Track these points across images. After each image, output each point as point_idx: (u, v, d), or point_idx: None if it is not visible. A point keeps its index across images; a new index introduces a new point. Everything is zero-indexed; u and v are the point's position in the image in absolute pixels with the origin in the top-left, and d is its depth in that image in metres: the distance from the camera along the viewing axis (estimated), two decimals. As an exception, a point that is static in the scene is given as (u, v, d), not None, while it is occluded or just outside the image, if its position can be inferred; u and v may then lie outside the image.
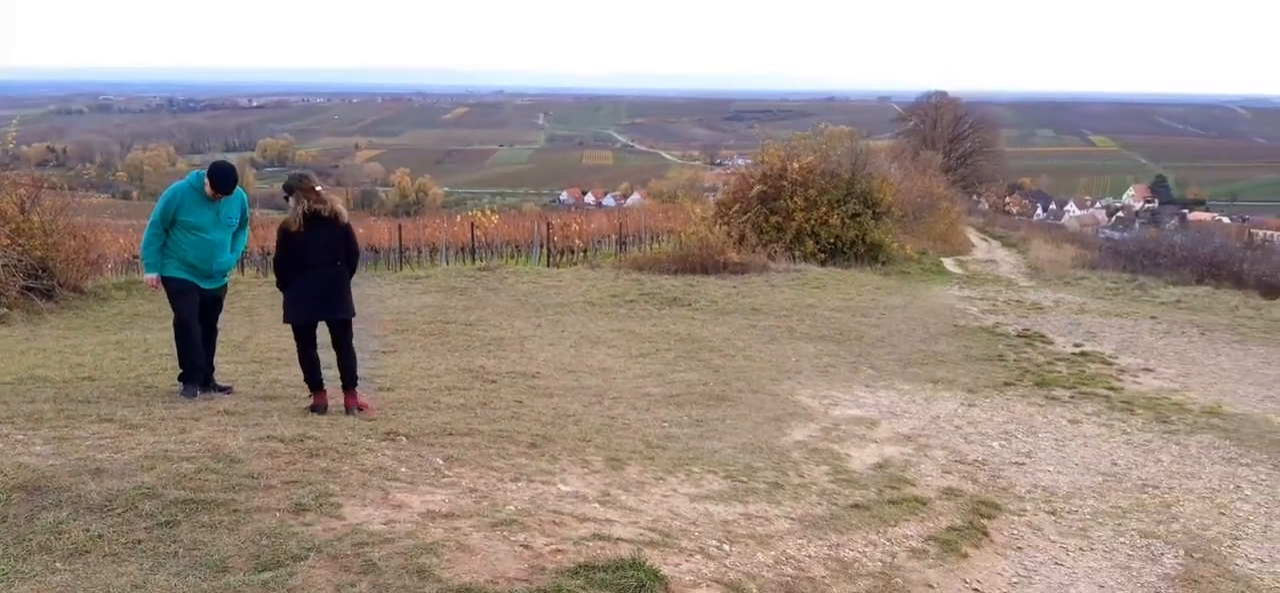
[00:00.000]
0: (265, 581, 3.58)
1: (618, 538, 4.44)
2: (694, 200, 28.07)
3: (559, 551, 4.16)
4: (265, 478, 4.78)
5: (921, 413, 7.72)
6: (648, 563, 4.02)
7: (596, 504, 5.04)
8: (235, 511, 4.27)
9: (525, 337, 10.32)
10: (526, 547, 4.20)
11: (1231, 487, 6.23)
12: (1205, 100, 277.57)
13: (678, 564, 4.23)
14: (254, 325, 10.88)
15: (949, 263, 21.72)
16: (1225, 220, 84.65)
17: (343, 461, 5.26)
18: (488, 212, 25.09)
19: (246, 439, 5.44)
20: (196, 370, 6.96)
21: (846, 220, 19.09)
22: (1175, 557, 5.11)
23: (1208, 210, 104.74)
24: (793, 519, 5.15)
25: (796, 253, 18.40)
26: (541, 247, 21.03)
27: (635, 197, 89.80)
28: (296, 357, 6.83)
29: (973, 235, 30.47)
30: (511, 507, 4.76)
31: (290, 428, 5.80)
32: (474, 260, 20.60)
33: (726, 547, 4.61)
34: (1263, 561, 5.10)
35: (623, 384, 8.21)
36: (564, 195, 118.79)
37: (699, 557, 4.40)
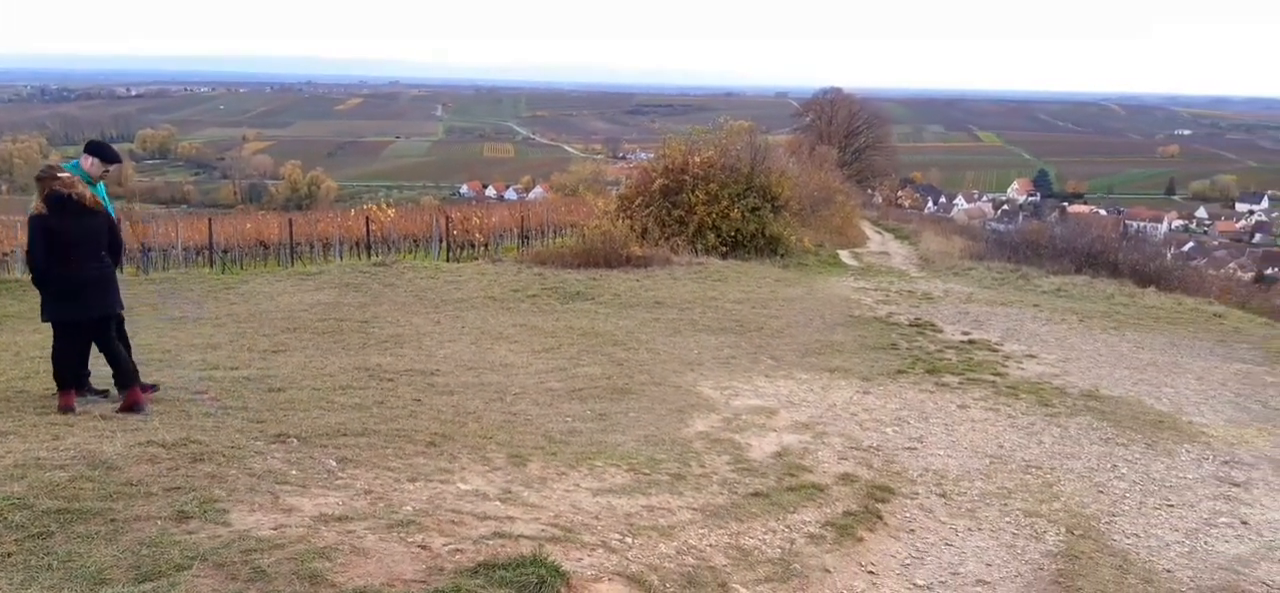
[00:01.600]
0: (146, 592, 3.40)
1: (519, 535, 4.38)
2: (597, 194, 28.12)
3: (458, 550, 4.08)
4: (145, 485, 4.55)
5: (819, 401, 7.88)
6: (549, 559, 3.98)
7: (497, 502, 4.97)
8: (113, 520, 4.05)
9: (424, 333, 10.12)
10: (424, 547, 4.11)
11: (1108, 466, 6.57)
12: (1083, 98, 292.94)
13: (580, 559, 4.20)
14: (134, 327, 10.34)
15: (845, 255, 22.28)
16: (1102, 213, 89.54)
17: (229, 465, 5.06)
18: (384, 205, 24.47)
19: (124, 445, 5.17)
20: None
21: (747, 214, 19.36)
22: (1057, 534, 5.34)
23: (1086, 203, 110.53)
24: (695, 510, 5.19)
25: (698, 246, 18.57)
26: (441, 241, 20.65)
27: (537, 190, 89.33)
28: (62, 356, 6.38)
29: (867, 228, 31.33)
30: (408, 507, 4.66)
31: (172, 432, 5.53)
32: (370, 256, 20.09)
33: (629, 540, 4.61)
34: (1138, 536, 5.39)
35: (525, 380, 8.13)
36: (464, 189, 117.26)
37: (601, 551, 4.38)
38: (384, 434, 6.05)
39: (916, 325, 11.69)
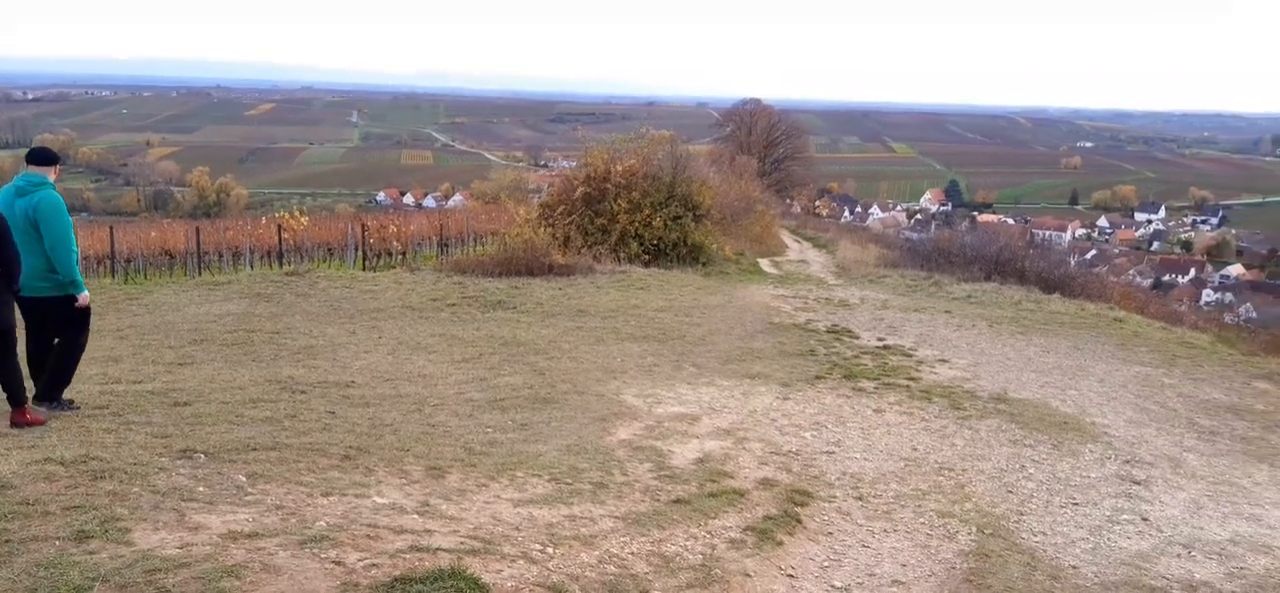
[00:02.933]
0: (38, 619, 3.23)
1: (437, 548, 4.31)
2: (518, 202, 27.92)
3: (374, 565, 3.99)
4: (42, 504, 4.35)
5: (740, 408, 7.95)
6: (468, 571, 3.93)
7: (415, 515, 4.87)
8: (7, 541, 3.89)
9: (339, 344, 9.88)
10: (338, 563, 4.01)
11: (1017, 467, 6.78)
12: (991, 111, 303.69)
13: (500, 571, 4.15)
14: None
15: (765, 263, 22.59)
16: (1009, 222, 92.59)
17: (132, 482, 4.86)
18: (297, 213, 23.81)
19: (20, 463, 4.94)
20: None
21: (669, 222, 19.47)
22: (969, 534, 5.49)
23: (994, 212, 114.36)
24: (616, 518, 5.17)
25: (621, 254, 18.60)
26: (356, 249, 20.22)
27: (457, 198, 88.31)
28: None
29: (786, 237, 31.85)
30: (322, 523, 4.54)
31: (71, 449, 5.28)
32: (282, 265, 19.53)
33: (550, 550, 4.57)
34: (1045, 534, 5.58)
35: (444, 390, 8.00)
36: (381, 196, 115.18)
37: (522, 562, 4.33)
38: (296, 448, 5.88)
39: (834, 332, 11.91)
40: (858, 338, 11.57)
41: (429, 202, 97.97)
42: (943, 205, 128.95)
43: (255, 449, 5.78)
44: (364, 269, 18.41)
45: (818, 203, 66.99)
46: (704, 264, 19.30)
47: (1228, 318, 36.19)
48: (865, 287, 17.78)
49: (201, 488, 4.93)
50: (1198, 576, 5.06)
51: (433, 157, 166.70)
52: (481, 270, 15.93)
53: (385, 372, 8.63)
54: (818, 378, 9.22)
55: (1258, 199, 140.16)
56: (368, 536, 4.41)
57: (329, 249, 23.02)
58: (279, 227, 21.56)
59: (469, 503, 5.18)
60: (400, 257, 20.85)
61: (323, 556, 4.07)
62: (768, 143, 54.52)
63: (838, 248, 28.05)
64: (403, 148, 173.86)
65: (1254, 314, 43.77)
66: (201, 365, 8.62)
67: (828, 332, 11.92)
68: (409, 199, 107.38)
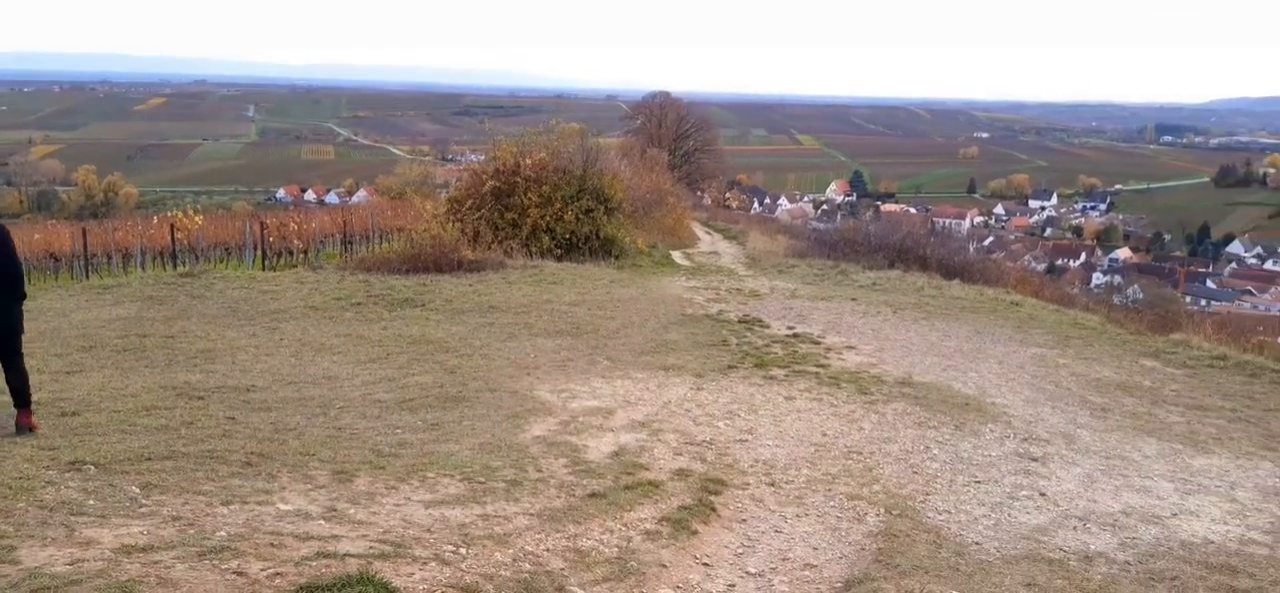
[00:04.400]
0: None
1: (345, 554, 4.19)
2: (425, 197, 27.44)
3: (278, 574, 3.85)
4: (-89, 527, 4.06)
5: (654, 399, 7.97)
6: (378, 576, 3.83)
7: (321, 521, 4.73)
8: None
9: (237, 347, 9.52)
10: (240, 574, 3.86)
11: (922, 448, 6.97)
12: (892, 102, 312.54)
13: (411, 574, 4.06)
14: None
15: (677, 255, 22.72)
16: (912, 211, 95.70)
17: (16, 498, 4.61)
18: (191, 212, 22.89)
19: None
20: None
21: (580, 216, 19.38)
22: (877, 515, 5.62)
23: (897, 202, 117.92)
24: (531, 515, 5.11)
25: (533, 249, 18.43)
26: (255, 249, 19.55)
27: (361, 193, 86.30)
28: None
29: (698, 229, 32.09)
30: (222, 533, 4.37)
31: (-58, 467, 4.95)
32: (175, 266, 18.75)
33: (463, 550, 4.48)
34: (949, 512, 5.74)
35: (350, 392, 7.79)
36: (281, 193, 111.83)
37: (434, 564, 4.24)
38: (194, 456, 5.65)
39: (745, 322, 12.05)
40: (768, 327, 11.73)
41: (331, 198, 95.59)
42: (848, 196, 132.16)
43: (149, 459, 5.53)
44: (263, 269, 17.81)
45: (728, 195, 67.72)
46: (617, 257, 19.28)
47: (1116, 299, 38.05)
48: (775, 277, 18.05)
49: (92, 501, 4.71)
50: (1093, 547, 5.29)
51: (334, 151, 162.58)
52: (388, 268, 15.58)
53: (288, 375, 8.35)
54: (730, 368, 9.31)
55: (1142, 185, 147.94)
56: (271, 544, 4.26)
57: (226, 249, 22.22)
58: (172, 226, 20.69)
59: (378, 507, 5.05)
60: (302, 255, 20.25)
61: (223, 567, 3.92)
62: (678, 135, 54.83)
63: (748, 239, 28.41)
64: (303, 143, 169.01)
65: (1140, 295, 46.10)
66: (91, 373, 8.20)
67: (739, 322, 12.05)
68: (310, 196, 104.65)
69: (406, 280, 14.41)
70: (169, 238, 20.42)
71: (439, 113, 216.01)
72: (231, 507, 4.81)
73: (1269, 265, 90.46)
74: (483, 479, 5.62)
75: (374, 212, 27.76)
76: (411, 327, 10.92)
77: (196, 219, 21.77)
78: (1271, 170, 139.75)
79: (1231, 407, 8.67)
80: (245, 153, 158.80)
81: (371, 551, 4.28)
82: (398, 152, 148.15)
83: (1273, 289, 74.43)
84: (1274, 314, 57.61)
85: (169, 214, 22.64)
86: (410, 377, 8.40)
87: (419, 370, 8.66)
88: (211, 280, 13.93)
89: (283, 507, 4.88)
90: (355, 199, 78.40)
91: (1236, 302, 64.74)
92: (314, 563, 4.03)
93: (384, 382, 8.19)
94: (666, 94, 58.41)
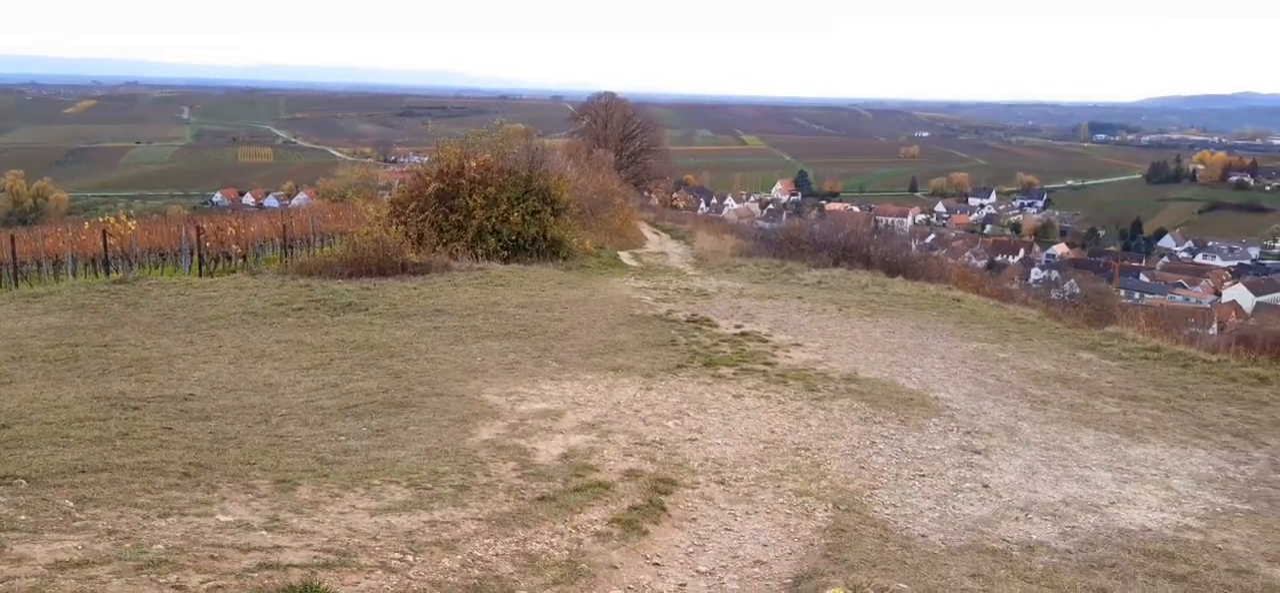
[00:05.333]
0: None
1: (288, 565, 4.09)
2: (367, 199, 26.99)
3: (218, 587, 3.76)
4: None
5: (604, 401, 7.94)
6: (322, 586, 3.75)
7: (263, 532, 4.61)
8: None
9: (174, 355, 9.26)
10: (179, 588, 3.76)
11: (868, 443, 7.06)
12: (834, 103, 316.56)
13: (357, 583, 3.99)
14: None
15: (625, 256, 22.70)
16: (855, 209, 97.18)
17: (-63, 517, 4.39)
18: (124, 217, 22.19)
19: None
20: None
21: (527, 217, 19.25)
22: (825, 511, 5.67)
23: (841, 201, 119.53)
24: (480, 520, 5.05)
25: (478, 251, 18.26)
26: (192, 254, 19.05)
27: (301, 196, 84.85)
28: None
29: (645, 229, 32.11)
30: (160, 546, 4.24)
31: None
32: (108, 273, 18.19)
33: (410, 557, 4.41)
34: (896, 506, 5.82)
35: (292, 399, 7.62)
36: (218, 197, 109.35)
37: (380, 572, 4.17)
38: (130, 468, 5.47)
39: (693, 321, 12.08)
40: (716, 326, 11.77)
41: (271, 201, 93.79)
42: (793, 195, 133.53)
43: (83, 472, 5.35)
44: (201, 274, 17.38)
45: (675, 195, 67.87)
46: (564, 259, 19.19)
47: (1054, 294, 39.06)
48: (722, 276, 18.14)
49: (23, 516, 4.55)
50: (1034, 536, 5.40)
51: (273, 154, 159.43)
52: (330, 272, 15.29)
53: (227, 382, 8.15)
54: (679, 367, 9.32)
55: (1078, 182, 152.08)
56: (211, 556, 4.15)
57: (161, 255, 21.62)
58: (104, 232, 20.04)
59: (322, 515, 4.95)
60: (240, 260, 19.79)
61: (161, 581, 3.81)
62: (624, 136, 54.80)
63: (695, 239, 28.50)
64: (240, 145, 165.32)
65: (1077, 290, 47.37)
66: (20, 385, 7.90)
67: (688, 322, 12.08)
68: (249, 199, 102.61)
69: (349, 284, 14.17)
70: (101, 244, 19.79)
71: (381, 114, 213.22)
72: (169, 519, 4.67)
73: (1199, 259, 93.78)
74: (429, 485, 5.54)
75: (315, 215, 27.25)
76: (354, 332, 10.73)
77: (130, 224, 21.11)
78: (1201, 167, 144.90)
79: (1165, 397, 8.93)
80: (180, 156, 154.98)
81: (315, 560, 4.19)
82: (339, 153, 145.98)
83: (1203, 282, 77.15)
84: (1205, 306, 59.73)
85: (101, 219, 21.89)
86: (354, 382, 8.25)
87: (363, 376, 8.52)
88: (146, 287, 13.54)
89: (223, 518, 4.76)
90: (295, 202, 77.02)
91: (1169, 295, 67.00)
92: (256, 574, 3.93)
93: (327, 388, 8.03)
94: (612, 95, 58.34)
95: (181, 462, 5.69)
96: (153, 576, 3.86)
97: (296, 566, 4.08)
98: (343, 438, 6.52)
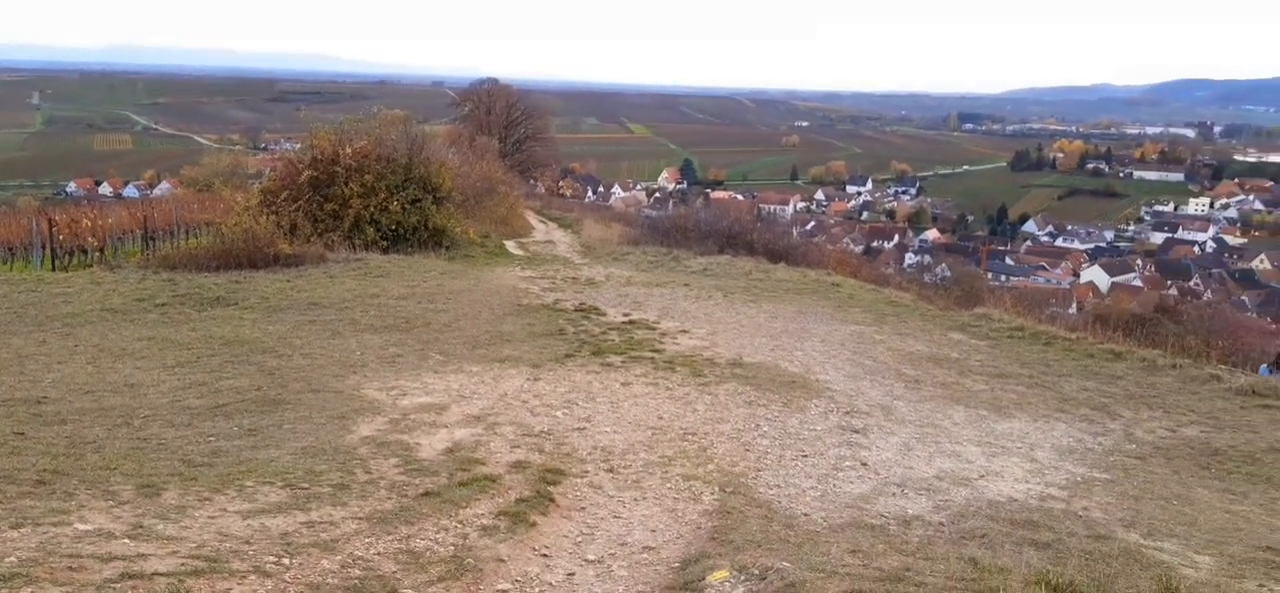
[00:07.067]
0: None
1: (153, 574, 3.87)
2: (236, 188, 25.85)
3: (74, 603, 3.50)
4: None
5: (490, 392, 7.82)
6: (191, 596, 3.55)
7: (126, 540, 4.35)
8: None
9: (26, 356, 8.64)
10: (30, 606, 3.48)
11: (753, 426, 7.18)
12: (718, 92, 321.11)
13: (228, 589, 3.81)
14: None
15: (511, 245, 22.44)
16: (739, 198, 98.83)
17: None
18: (-31, 209, 20.63)
19: None
20: None
21: (407, 206, 18.79)
22: (712, 494, 5.74)
23: (726, 189, 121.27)
24: (360, 519, 4.90)
25: (356, 241, 17.71)
26: (43, 248, 17.83)
27: (164, 186, 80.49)
28: None
29: (533, 218, 31.81)
30: (13, 558, 3.96)
31: None
32: (-48, 268, 16.84)
33: (286, 560, 4.24)
34: (779, 486, 5.94)
35: (156, 400, 7.22)
36: (72, 187, 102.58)
37: (254, 577, 3.99)
38: (-28, 479, 5.06)
39: (582, 310, 12.04)
40: (604, 315, 11.77)
41: (130, 191, 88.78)
42: (679, 184, 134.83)
43: (-83, 485, 4.91)
44: (53, 269, 16.28)
45: (562, 183, 67.60)
46: (448, 248, 18.83)
47: (927, 278, 40.78)
48: (610, 264, 18.15)
49: None
50: (910, 511, 5.60)
51: (133, 141, 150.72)
52: (195, 265, 14.56)
53: (84, 383, 7.65)
54: (567, 357, 9.27)
55: (948, 170, 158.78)
56: (69, 568, 3.89)
57: (10, 249, 20.15)
58: (-57, 225, 18.54)
59: (190, 520, 4.70)
60: (97, 254, 18.62)
61: (10, 598, 3.53)
62: (508, 123, 54.12)
63: (583, 228, 28.43)
64: (96, 132, 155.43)
65: (948, 273, 49.59)
66: None
67: (576, 310, 12.03)
68: (106, 189, 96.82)
69: (217, 278, 13.53)
70: (-61, 238, 18.30)
71: (250, 99, 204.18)
72: (22, 530, 4.35)
73: (1060, 243, 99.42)
74: (306, 485, 5.34)
75: (179, 205, 25.87)
76: (223, 327, 10.25)
77: (-28, 216, 19.61)
78: (1061, 155, 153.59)
79: (1029, 374, 9.43)
80: (30, 143, 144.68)
81: (183, 568, 3.98)
82: (204, 141, 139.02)
83: (1063, 264, 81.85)
84: (1064, 288, 63.43)
85: (-61, 211, 20.27)
86: (223, 380, 7.88)
87: (233, 373, 8.14)
88: (-9, 283, 12.59)
89: (82, 527, 4.46)
90: (157, 192, 73.02)
91: (1032, 277, 70.82)
92: (118, 585, 3.70)
93: (194, 387, 7.64)
94: (495, 81, 57.53)
95: (35, 469, 5.31)
96: (5, 589, 3.60)
97: (163, 574, 3.86)
98: (212, 439, 6.22)
